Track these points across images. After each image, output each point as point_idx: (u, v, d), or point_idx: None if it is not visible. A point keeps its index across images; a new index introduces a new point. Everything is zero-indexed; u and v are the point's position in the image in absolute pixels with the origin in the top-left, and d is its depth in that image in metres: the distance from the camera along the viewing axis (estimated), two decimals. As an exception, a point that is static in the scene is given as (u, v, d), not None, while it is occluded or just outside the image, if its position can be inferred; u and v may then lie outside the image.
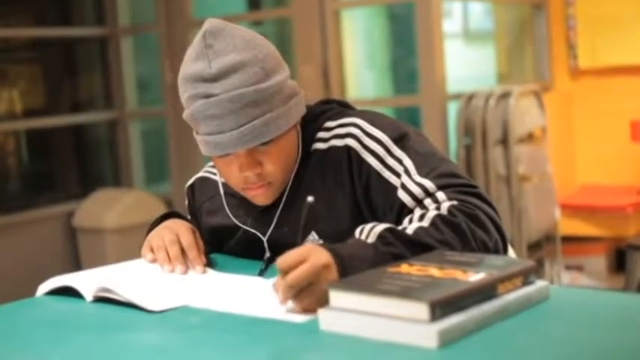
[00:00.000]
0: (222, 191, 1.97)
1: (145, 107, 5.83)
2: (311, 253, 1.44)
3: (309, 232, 1.79)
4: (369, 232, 1.55)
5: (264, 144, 1.73)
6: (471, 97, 4.32)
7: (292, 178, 1.83)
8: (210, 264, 1.87)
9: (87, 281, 1.72)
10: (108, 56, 5.65)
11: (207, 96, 1.69)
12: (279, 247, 1.63)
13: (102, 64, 5.73)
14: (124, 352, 1.36)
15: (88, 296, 1.67)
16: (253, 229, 1.90)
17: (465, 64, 5.55)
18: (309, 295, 1.42)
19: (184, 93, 1.75)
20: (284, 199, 1.84)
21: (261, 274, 1.79)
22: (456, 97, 4.41)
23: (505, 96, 4.30)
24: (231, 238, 1.95)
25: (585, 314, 1.37)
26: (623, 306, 1.41)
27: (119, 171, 5.71)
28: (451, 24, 5.62)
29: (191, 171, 5.15)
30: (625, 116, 4.73)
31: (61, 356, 1.37)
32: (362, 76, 5.88)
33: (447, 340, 1.22)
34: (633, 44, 4.87)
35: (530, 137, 4.46)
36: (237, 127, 1.69)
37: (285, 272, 1.42)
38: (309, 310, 1.43)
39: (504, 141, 4.28)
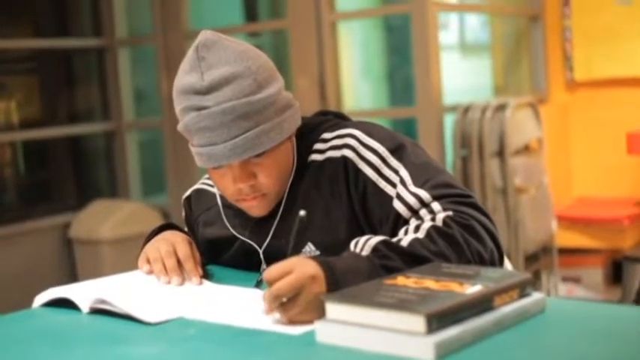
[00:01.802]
0: (219, 202, 1.97)
1: (142, 118, 5.83)
2: (297, 265, 1.45)
3: (304, 244, 1.79)
4: (364, 244, 1.56)
5: (258, 156, 1.74)
6: (467, 109, 4.32)
7: (288, 189, 1.84)
8: (206, 275, 1.87)
9: (83, 293, 1.71)
10: (105, 67, 5.65)
11: (200, 108, 1.70)
12: (276, 258, 1.63)
13: (99, 75, 5.74)
14: (121, 364, 1.36)
15: (85, 308, 1.67)
16: (250, 240, 1.90)
17: (462, 76, 5.56)
18: (294, 306, 1.44)
19: (178, 105, 1.76)
20: (281, 210, 1.85)
21: (257, 285, 1.79)
22: (453, 108, 4.41)
23: (501, 108, 4.31)
24: (229, 249, 1.95)
25: (582, 326, 1.37)
26: (620, 318, 1.41)
27: (116, 182, 5.70)
28: (447, 36, 5.63)
29: (188, 182, 5.13)
30: (621, 128, 4.73)
31: (58, 368, 1.37)
32: (358, 87, 5.89)
33: (444, 352, 1.22)
34: (629, 56, 4.88)
35: (526, 149, 4.46)
36: (229, 139, 1.70)
37: (271, 283, 1.44)
38: (296, 320, 1.44)
39: (501, 153, 4.28)
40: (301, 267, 1.45)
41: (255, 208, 1.82)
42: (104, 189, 5.82)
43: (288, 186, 1.84)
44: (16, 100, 5.47)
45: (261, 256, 1.88)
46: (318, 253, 1.77)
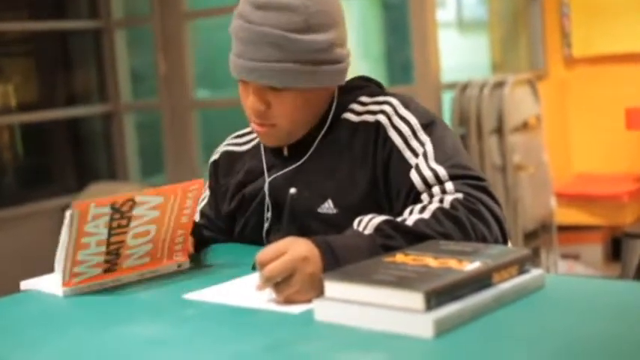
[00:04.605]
0: (261, 148, 1.97)
1: (139, 100, 5.82)
2: (290, 247, 1.46)
3: (325, 200, 1.80)
4: (367, 223, 1.57)
5: (277, 89, 1.77)
6: (465, 87, 4.32)
7: (319, 140, 1.85)
8: (201, 254, 1.87)
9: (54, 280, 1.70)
10: (102, 49, 5.63)
11: (246, 20, 1.77)
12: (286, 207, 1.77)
13: (96, 57, 5.72)
14: (120, 344, 1.35)
15: (59, 291, 1.66)
16: (273, 183, 1.91)
17: (459, 54, 5.54)
18: (288, 286, 1.44)
19: (238, 7, 1.82)
20: (307, 156, 1.86)
21: (254, 268, 1.78)
22: (451, 86, 4.40)
23: (499, 85, 4.30)
24: (253, 203, 1.95)
25: (580, 302, 1.37)
26: (618, 293, 1.41)
27: (114, 164, 5.70)
28: (445, 13, 5.61)
29: (186, 163, 5.11)
30: (620, 104, 4.73)
31: (57, 349, 1.37)
32: (356, 65, 5.87)
33: (443, 329, 1.22)
34: (627, 32, 4.87)
35: (525, 126, 4.46)
36: (253, 60, 1.75)
37: (264, 266, 1.44)
38: (290, 300, 1.44)
39: (499, 130, 4.28)
40: (294, 248, 1.45)
41: (264, 136, 1.87)
42: (103, 171, 5.82)
43: (319, 138, 1.86)
44: (14, 83, 5.46)
45: (266, 195, 1.90)
46: (335, 211, 1.79)
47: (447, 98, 4.40)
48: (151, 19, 5.37)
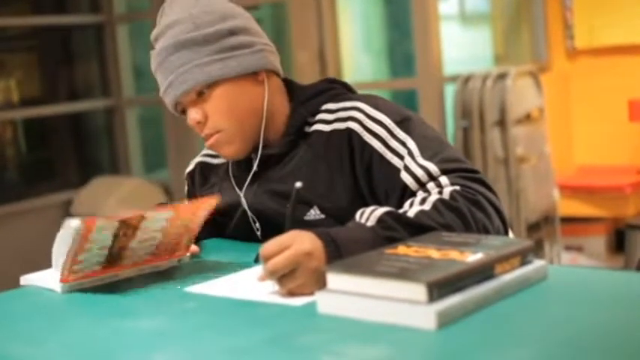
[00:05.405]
0: (230, 167, 1.98)
1: (142, 94, 5.82)
2: (294, 241, 1.45)
3: (310, 207, 1.80)
4: (370, 215, 1.56)
5: (202, 93, 1.81)
6: (467, 79, 4.31)
7: (291, 152, 1.85)
8: (199, 252, 1.87)
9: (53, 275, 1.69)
10: (104, 44, 5.63)
11: (153, 55, 1.85)
12: (268, 216, 1.79)
13: (98, 51, 5.72)
14: (121, 337, 1.35)
15: (57, 287, 1.65)
16: (246, 197, 1.91)
17: (462, 46, 5.53)
18: (291, 280, 1.44)
19: None
20: (282, 169, 1.86)
21: (256, 260, 1.78)
22: (453, 79, 4.40)
23: (502, 77, 4.30)
24: (235, 215, 1.96)
25: (583, 293, 1.37)
26: (621, 285, 1.41)
27: (117, 158, 5.70)
28: (447, 6, 5.59)
29: (189, 158, 5.12)
30: (622, 96, 4.72)
31: (58, 342, 1.37)
32: (358, 59, 5.86)
33: (445, 321, 1.21)
34: (630, 23, 4.86)
35: (527, 118, 4.45)
36: (166, 78, 1.81)
37: (267, 260, 1.44)
38: (294, 293, 1.44)
39: (502, 122, 4.27)
40: (298, 243, 1.45)
41: (217, 147, 1.87)
42: (105, 166, 5.82)
43: (290, 151, 1.86)
44: (16, 78, 5.46)
45: (246, 207, 1.91)
46: (323, 216, 1.79)
47: (450, 91, 4.40)
48: (152, 13, 5.36)
